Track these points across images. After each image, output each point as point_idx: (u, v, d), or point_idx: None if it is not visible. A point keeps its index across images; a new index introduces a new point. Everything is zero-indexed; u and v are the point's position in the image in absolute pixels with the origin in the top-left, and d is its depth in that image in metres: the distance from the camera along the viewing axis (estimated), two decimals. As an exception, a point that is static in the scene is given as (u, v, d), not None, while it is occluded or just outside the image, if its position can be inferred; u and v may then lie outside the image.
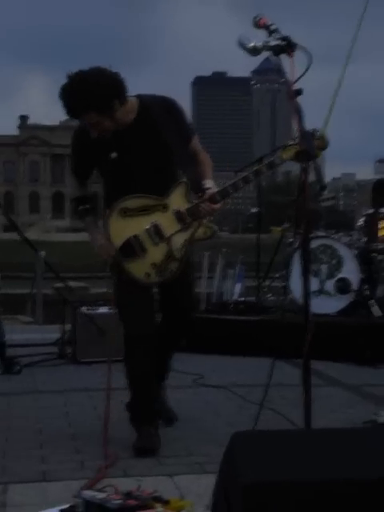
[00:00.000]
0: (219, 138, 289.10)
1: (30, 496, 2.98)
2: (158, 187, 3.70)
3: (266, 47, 3.05)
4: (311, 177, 3.00)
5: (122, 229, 3.68)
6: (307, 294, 3.08)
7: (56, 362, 6.26)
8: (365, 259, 7.13)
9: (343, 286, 6.96)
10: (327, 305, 6.87)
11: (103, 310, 6.19)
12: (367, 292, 6.87)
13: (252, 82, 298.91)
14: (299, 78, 2.93)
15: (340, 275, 7.01)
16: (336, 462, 2.23)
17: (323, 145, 3.33)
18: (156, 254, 3.69)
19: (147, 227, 3.67)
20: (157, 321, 3.90)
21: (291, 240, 7.58)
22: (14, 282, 13.40)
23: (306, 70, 2.97)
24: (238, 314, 7.26)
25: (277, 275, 8.38)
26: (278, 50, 3.01)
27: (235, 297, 8.48)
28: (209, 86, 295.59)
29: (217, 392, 5.09)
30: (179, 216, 3.68)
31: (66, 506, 2.63)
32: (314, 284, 6.80)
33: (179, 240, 3.70)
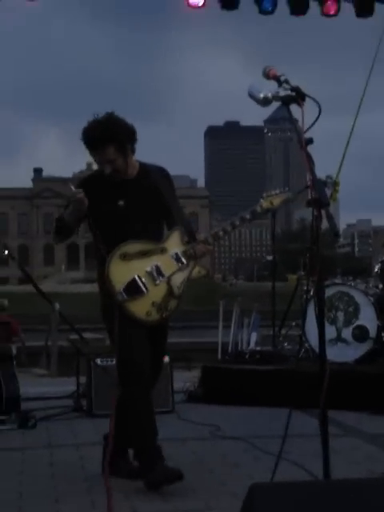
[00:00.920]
0: (232, 187, 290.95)
1: None
2: (154, 235, 4.03)
3: (276, 98, 3.09)
4: (324, 224, 2.99)
5: (124, 271, 3.90)
6: (322, 341, 3.05)
7: (71, 415, 6.20)
8: (382, 306, 7.07)
9: (360, 334, 6.89)
10: (345, 353, 6.80)
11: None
12: (385, 339, 6.80)
13: (265, 131, 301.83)
14: (310, 128, 2.96)
15: (357, 322, 6.95)
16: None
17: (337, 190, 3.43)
18: (157, 292, 3.93)
19: (148, 269, 3.93)
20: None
21: (306, 288, 7.54)
22: (29, 335, 13.40)
23: (316, 119, 3.01)
24: (254, 364, 7.18)
25: (293, 324, 8.33)
26: (288, 101, 3.05)
27: (251, 346, 8.40)
28: (221, 135, 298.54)
29: (234, 443, 5.02)
30: (177, 257, 3.99)
31: None
32: (331, 332, 6.75)
33: (178, 279, 3.99)
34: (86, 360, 6.46)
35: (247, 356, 7.52)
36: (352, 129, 8.70)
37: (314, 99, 3.03)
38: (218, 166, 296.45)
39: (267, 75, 3.14)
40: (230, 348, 8.59)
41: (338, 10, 8.53)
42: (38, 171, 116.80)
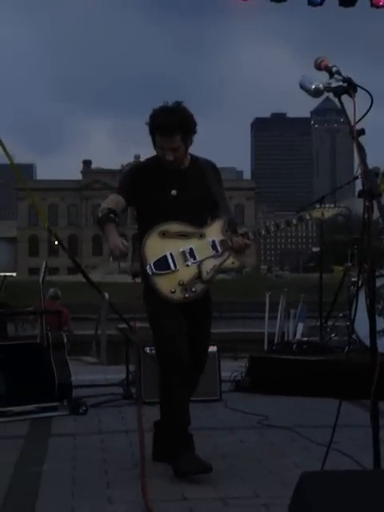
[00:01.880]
0: (279, 178, 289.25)
1: (98, 536, 3.00)
2: (200, 225, 4.06)
3: (327, 89, 3.09)
4: (375, 215, 3.00)
5: (159, 247, 3.98)
6: (374, 332, 3.06)
7: (121, 403, 6.30)
8: None
9: (408, 325, 6.83)
10: (393, 345, 6.75)
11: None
12: None
13: (312, 123, 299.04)
14: (361, 119, 2.97)
15: (405, 314, 6.89)
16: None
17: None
18: (185, 273, 3.97)
19: (181, 249, 3.98)
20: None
21: (354, 279, 7.50)
22: (79, 324, 13.57)
23: (368, 110, 3.00)
24: (301, 354, 7.19)
25: (340, 315, 8.30)
26: (339, 92, 3.05)
27: (297, 337, 8.40)
28: (268, 127, 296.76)
29: (282, 433, 5.04)
30: (214, 244, 4.02)
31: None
32: (379, 323, 6.68)
33: (209, 265, 4.01)
34: (135, 348, 6.55)
35: (294, 346, 7.53)
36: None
37: (365, 90, 3.03)
38: (265, 157, 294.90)
39: (319, 66, 3.15)
40: (276, 338, 8.61)
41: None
42: (87, 163, 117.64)
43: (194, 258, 3.99)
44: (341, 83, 3.05)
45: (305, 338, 8.19)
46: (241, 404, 6.03)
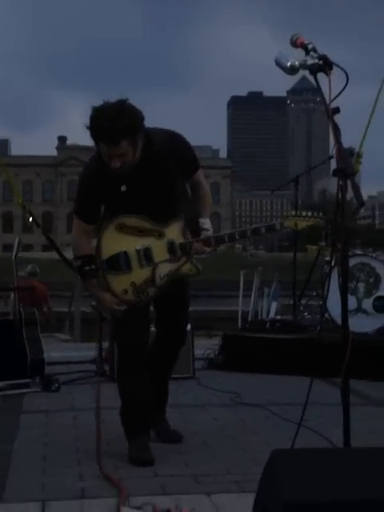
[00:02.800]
0: (255, 157, 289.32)
1: (69, 512, 3.00)
2: (159, 219, 3.79)
3: (303, 66, 3.06)
4: (349, 194, 3.00)
5: (115, 242, 3.78)
6: (345, 311, 3.07)
7: (94, 380, 6.28)
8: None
9: (381, 305, 6.90)
10: (365, 323, 6.82)
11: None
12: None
13: (288, 102, 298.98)
14: (336, 97, 2.95)
15: (378, 293, 6.96)
16: (376, 482, 2.22)
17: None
18: (139, 275, 3.79)
19: (138, 248, 3.78)
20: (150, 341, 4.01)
21: (328, 258, 7.54)
22: (53, 301, 13.54)
23: (343, 88, 2.99)
24: (274, 333, 7.23)
25: (313, 294, 8.34)
26: (315, 69, 3.03)
27: (271, 315, 8.44)
28: (244, 106, 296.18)
29: (254, 410, 5.07)
30: (171, 247, 3.79)
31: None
32: (352, 302, 6.75)
33: (164, 269, 3.80)
34: (108, 326, 6.53)
35: (267, 325, 7.57)
36: (376, 100, 8.61)
37: (341, 68, 3.01)
38: (241, 136, 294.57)
39: (294, 43, 3.12)
40: (250, 317, 8.63)
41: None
42: (62, 139, 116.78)
43: (149, 260, 3.77)
44: (316, 61, 3.02)
45: (278, 317, 8.22)
46: (214, 382, 6.05)
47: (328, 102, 2.91)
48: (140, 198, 3.76)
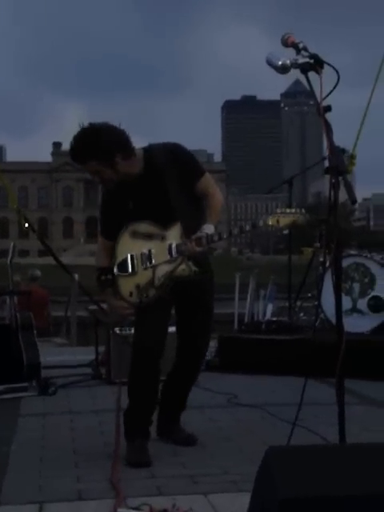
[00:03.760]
0: (249, 160, 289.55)
1: (66, 514, 3.00)
2: (162, 225, 3.95)
3: (294, 65, 3.07)
4: (342, 195, 3.00)
5: (127, 246, 4.01)
6: (340, 311, 3.07)
7: (90, 383, 6.29)
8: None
9: (376, 305, 6.92)
10: (360, 323, 6.83)
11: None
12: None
13: (281, 105, 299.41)
14: (328, 95, 2.96)
15: (373, 293, 6.97)
16: (372, 477, 2.22)
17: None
18: (142, 276, 3.96)
19: (144, 251, 3.96)
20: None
21: (322, 259, 7.56)
22: (49, 306, 13.57)
23: (335, 86, 3.01)
24: (270, 334, 7.24)
25: (309, 295, 8.36)
26: (306, 68, 3.04)
27: (267, 317, 8.46)
28: (238, 110, 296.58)
29: (250, 411, 5.08)
30: (170, 249, 3.93)
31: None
32: (347, 302, 6.77)
33: (162, 270, 3.94)
34: (105, 329, 6.54)
35: (263, 326, 7.58)
36: (369, 102, 8.64)
37: (332, 66, 3.02)
38: (235, 140, 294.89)
39: (285, 42, 3.12)
40: (246, 319, 8.66)
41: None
42: (57, 145, 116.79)
43: (151, 262, 3.94)
44: (307, 59, 3.03)
45: (274, 318, 8.24)
46: (210, 383, 6.05)
47: (319, 99, 2.92)
48: (144, 211, 3.95)
